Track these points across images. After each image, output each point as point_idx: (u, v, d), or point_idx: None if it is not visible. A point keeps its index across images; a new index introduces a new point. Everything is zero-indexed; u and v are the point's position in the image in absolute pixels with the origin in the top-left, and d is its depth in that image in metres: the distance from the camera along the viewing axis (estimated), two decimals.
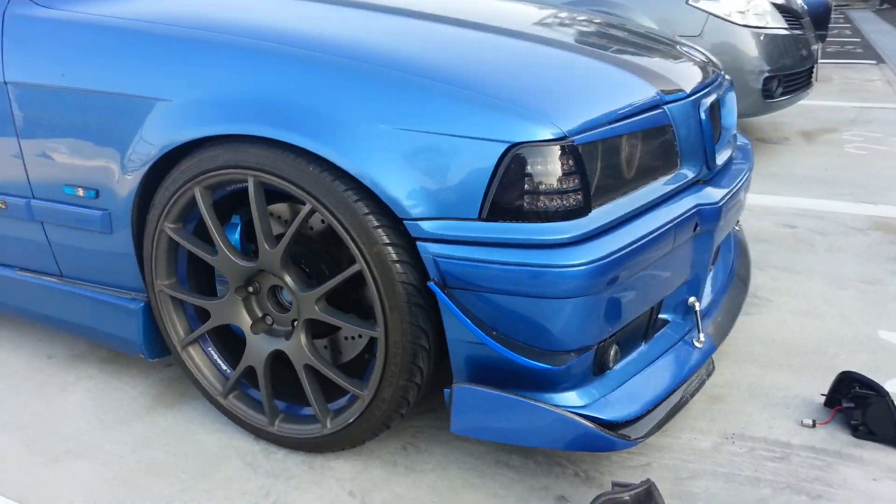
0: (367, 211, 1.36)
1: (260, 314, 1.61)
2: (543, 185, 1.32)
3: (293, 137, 1.37)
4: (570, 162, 1.33)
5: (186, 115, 1.47)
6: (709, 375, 1.66)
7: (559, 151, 1.31)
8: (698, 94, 1.69)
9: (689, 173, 1.63)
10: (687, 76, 1.74)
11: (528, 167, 1.31)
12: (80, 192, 1.66)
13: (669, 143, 1.58)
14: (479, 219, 1.33)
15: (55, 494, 1.51)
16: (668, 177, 1.58)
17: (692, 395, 1.59)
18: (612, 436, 1.39)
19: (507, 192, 1.31)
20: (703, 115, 1.66)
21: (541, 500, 1.47)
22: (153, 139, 1.51)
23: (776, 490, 1.49)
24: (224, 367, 1.68)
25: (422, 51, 1.48)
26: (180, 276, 1.65)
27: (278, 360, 1.59)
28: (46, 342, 2.12)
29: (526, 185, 1.31)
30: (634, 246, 1.40)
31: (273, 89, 1.41)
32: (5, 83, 1.66)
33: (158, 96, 1.50)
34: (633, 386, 1.52)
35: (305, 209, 1.42)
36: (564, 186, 1.33)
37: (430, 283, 1.36)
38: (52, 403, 1.83)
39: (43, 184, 1.70)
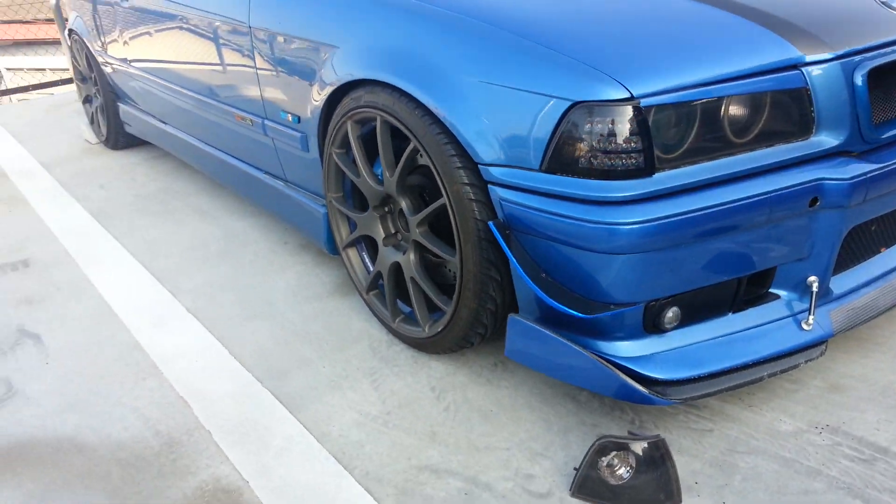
0: (452, 153, 1.56)
1: (392, 230, 1.92)
2: (602, 144, 1.37)
3: (403, 84, 1.61)
4: (633, 123, 1.35)
5: (346, 61, 1.79)
6: (809, 360, 1.56)
7: (621, 112, 1.35)
8: (855, 56, 1.51)
9: (829, 142, 1.50)
10: (852, 32, 1.56)
11: (588, 126, 1.37)
12: (289, 118, 2.10)
13: (801, 108, 1.47)
14: (540, 170, 1.44)
15: (240, 341, 2.03)
16: (794, 144, 1.48)
17: (773, 375, 1.52)
18: (645, 391, 1.44)
19: (567, 147, 1.40)
20: (858, 80, 1.49)
21: (583, 434, 1.58)
22: (327, 79, 1.86)
23: (831, 487, 1.39)
24: (371, 269, 2.04)
25: (527, 4, 1.59)
26: (346, 192, 2.02)
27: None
28: (289, 232, 2.70)
29: (584, 143, 1.38)
30: (702, 213, 1.38)
31: (393, 40, 1.66)
32: (250, 28, 2.15)
33: (332, 43, 1.84)
34: (696, 350, 1.52)
35: (410, 147, 1.66)
36: (624, 147, 1.36)
37: (490, 223, 1.52)
38: (268, 277, 2.38)
39: (270, 108, 2.19)
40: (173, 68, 2.76)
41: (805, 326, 1.58)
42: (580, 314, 1.44)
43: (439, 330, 1.76)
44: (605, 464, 1.38)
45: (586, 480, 1.40)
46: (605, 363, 1.46)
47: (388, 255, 1.90)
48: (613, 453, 1.38)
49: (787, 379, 1.70)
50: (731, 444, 1.53)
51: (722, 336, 1.55)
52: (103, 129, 3.88)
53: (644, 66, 1.39)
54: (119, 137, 3.82)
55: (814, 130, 1.50)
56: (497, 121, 1.48)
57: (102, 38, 3.40)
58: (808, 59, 1.47)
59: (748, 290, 1.59)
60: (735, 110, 1.42)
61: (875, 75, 1.54)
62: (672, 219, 1.37)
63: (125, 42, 3.12)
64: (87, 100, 4.08)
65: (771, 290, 1.61)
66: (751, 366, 1.53)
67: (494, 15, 1.56)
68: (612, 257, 1.40)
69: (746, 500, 1.38)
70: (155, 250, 2.64)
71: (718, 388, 1.48)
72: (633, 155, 1.37)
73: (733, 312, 1.58)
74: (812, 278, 1.58)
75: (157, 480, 1.53)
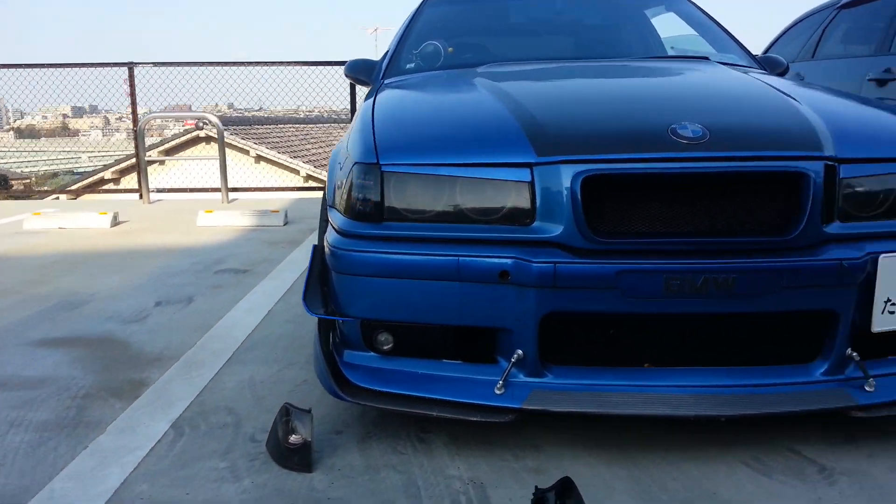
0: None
1: None
2: (355, 192, 1.92)
3: None
4: (371, 181, 1.87)
5: None
6: (485, 420, 1.77)
7: (369, 172, 1.88)
8: (579, 164, 1.75)
9: (547, 233, 1.77)
10: (593, 144, 1.79)
11: (353, 178, 1.92)
12: None
13: (522, 200, 1.79)
14: (337, 209, 2.03)
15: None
16: (514, 226, 1.80)
17: (442, 415, 1.81)
18: (333, 383, 1.89)
19: (347, 193, 1.95)
20: (575, 186, 1.74)
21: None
22: None
23: None
24: None
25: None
26: None
27: None
28: None
29: (353, 190, 1.92)
30: (406, 257, 1.80)
31: None
32: None
33: None
34: (393, 373, 1.89)
35: None
36: (364, 196, 1.89)
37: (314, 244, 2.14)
38: None
39: None
40: None
41: (497, 391, 1.80)
42: (309, 310, 1.94)
43: None
44: (281, 423, 1.87)
45: (272, 434, 1.90)
46: (323, 354, 1.94)
47: None
48: (286, 418, 1.86)
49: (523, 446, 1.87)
50: (395, 463, 1.83)
51: (426, 373, 1.88)
52: None
53: (399, 146, 1.90)
54: None
55: (535, 220, 1.78)
56: (339, 176, 2.09)
57: None
58: (539, 160, 1.78)
59: (476, 349, 1.87)
60: (461, 188, 1.82)
61: (604, 185, 1.74)
62: (381, 254, 1.81)
63: None
64: None
65: (496, 356, 1.86)
66: (432, 401, 1.82)
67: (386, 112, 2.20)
68: (339, 275, 1.90)
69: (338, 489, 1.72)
70: None
71: (387, 406, 1.83)
72: (369, 203, 1.87)
73: (447, 359, 1.88)
74: (519, 352, 1.80)
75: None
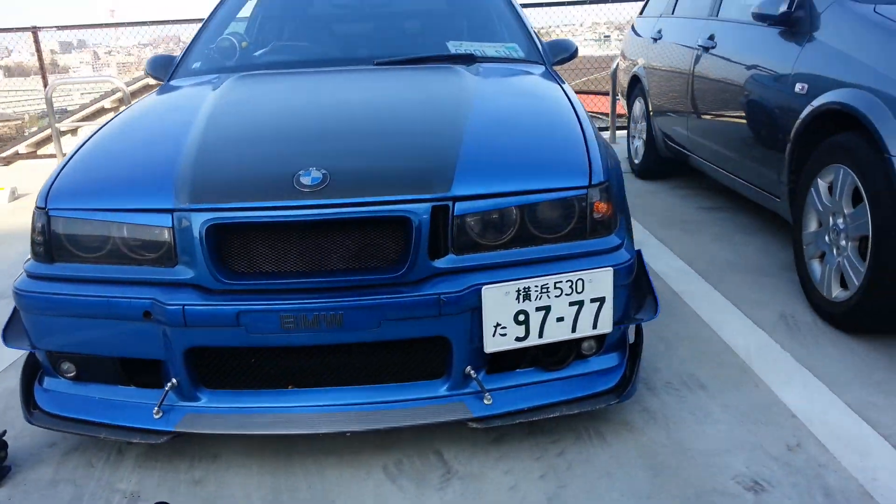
0: None
1: None
2: (33, 232, 2.09)
3: None
4: (43, 223, 2.06)
5: None
6: (145, 441, 2.02)
7: (39, 214, 2.07)
8: (206, 212, 1.92)
9: (185, 275, 1.96)
10: (222, 193, 1.95)
11: (33, 217, 2.10)
12: None
13: (166, 244, 1.98)
14: None
15: None
16: (161, 269, 1.98)
17: (112, 438, 2.04)
18: (25, 409, 2.12)
19: (31, 229, 2.12)
20: (202, 232, 1.91)
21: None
22: None
23: None
24: None
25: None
26: None
27: None
28: None
29: (32, 228, 2.10)
30: (67, 297, 1.99)
31: None
32: None
33: None
34: (72, 398, 2.12)
35: None
36: (38, 237, 2.08)
37: None
38: None
39: None
40: None
41: (155, 415, 2.03)
42: (3, 341, 2.15)
43: None
44: None
45: None
46: (20, 380, 2.16)
47: None
48: None
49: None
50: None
51: (103, 398, 2.10)
52: None
53: (70, 190, 2.08)
54: None
55: (177, 263, 1.97)
56: None
57: None
58: (176, 206, 1.95)
59: (146, 376, 2.09)
60: (117, 232, 2.00)
61: (231, 231, 1.93)
62: (49, 295, 2.00)
63: None
64: None
65: (163, 382, 2.07)
66: (102, 425, 2.06)
67: None
68: (22, 312, 2.10)
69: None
70: None
71: (64, 430, 2.08)
72: (41, 246, 2.07)
73: (124, 386, 2.11)
74: (174, 380, 2.01)
75: None
